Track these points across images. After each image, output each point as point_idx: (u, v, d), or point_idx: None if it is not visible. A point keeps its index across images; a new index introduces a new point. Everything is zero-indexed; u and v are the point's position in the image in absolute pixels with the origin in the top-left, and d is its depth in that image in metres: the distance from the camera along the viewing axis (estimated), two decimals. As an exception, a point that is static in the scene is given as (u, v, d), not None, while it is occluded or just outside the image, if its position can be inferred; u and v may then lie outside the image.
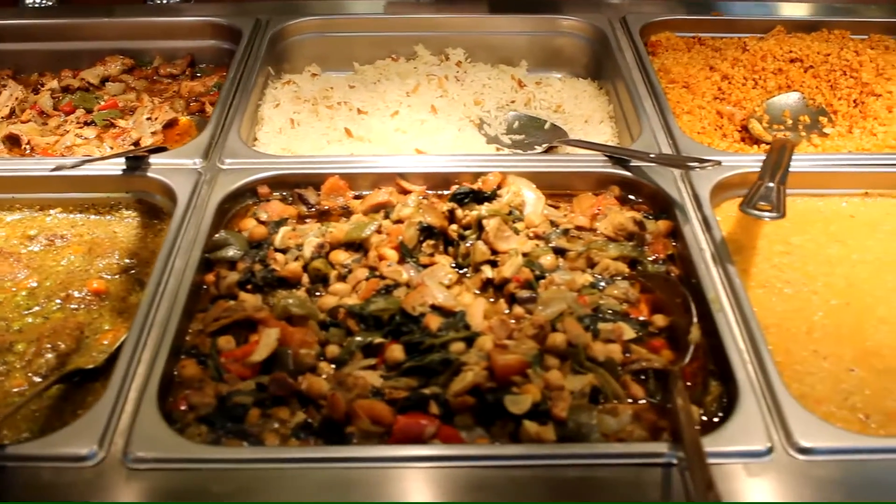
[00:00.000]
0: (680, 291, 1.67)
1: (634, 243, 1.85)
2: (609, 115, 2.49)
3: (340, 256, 1.79)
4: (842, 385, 1.57)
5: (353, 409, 1.43)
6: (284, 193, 2.03)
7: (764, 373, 1.51)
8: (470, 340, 1.57)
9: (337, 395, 1.44)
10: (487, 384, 1.46)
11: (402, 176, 2.03)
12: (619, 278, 1.77)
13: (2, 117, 2.49)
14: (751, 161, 2.02)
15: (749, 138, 2.30)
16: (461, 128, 2.36)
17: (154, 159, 2.06)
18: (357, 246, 1.82)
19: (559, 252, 1.82)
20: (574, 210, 1.97)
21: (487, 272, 1.75)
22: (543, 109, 2.52)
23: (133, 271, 1.87)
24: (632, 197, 2.02)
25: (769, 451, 1.38)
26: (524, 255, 1.77)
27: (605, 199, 1.97)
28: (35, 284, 1.84)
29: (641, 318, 1.69)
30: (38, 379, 1.60)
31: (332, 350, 1.58)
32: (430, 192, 2.02)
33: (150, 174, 2.03)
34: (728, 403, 1.49)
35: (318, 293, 1.74)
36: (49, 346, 1.66)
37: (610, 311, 1.68)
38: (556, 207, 1.97)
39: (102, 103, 2.56)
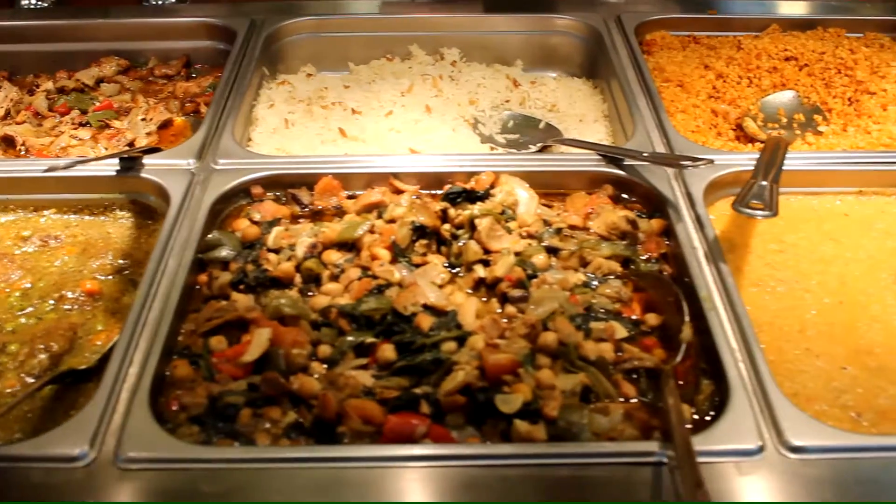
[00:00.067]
0: (672, 290, 1.66)
1: (627, 242, 1.85)
2: (603, 114, 2.49)
3: (333, 256, 1.79)
4: (834, 383, 1.57)
5: (344, 408, 1.43)
6: (278, 194, 2.03)
7: (756, 371, 1.51)
8: (461, 340, 1.57)
9: (328, 394, 1.44)
10: (478, 383, 1.46)
11: (396, 176, 2.03)
12: (612, 277, 1.77)
13: (-3, 119, 2.49)
14: (744, 159, 2.02)
15: (744, 137, 2.30)
16: (455, 127, 2.36)
17: (148, 160, 2.06)
18: (350, 246, 1.82)
19: (552, 251, 1.82)
20: (567, 209, 1.97)
21: (480, 271, 1.75)
22: (538, 109, 2.51)
23: (127, 272, 1.87)
24: (625, 196, 2.02)
25: (760, 449, 1.38)
26: (516, 254, 1.77)
27: (598, 198, 1.97)
28: (29, 285, 1.84)
29: (634, 317, 1.69)
30: (30, 380, 1.61)
31: (324, 350, 1.58)
32: (423, 191, 2.02)
33: (143, 175, 2.03)
34: (720, 402, 1.49)
35: (310, 293, 1.74)
36: (42, 346, 1.66)
37: (602, 310, 1.68)
38: (550, 207, 1.97)
39: (97, 104, 2.56)
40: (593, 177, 2.04)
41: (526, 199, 1.92)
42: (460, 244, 1.83)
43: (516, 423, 1.40)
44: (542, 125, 2.38)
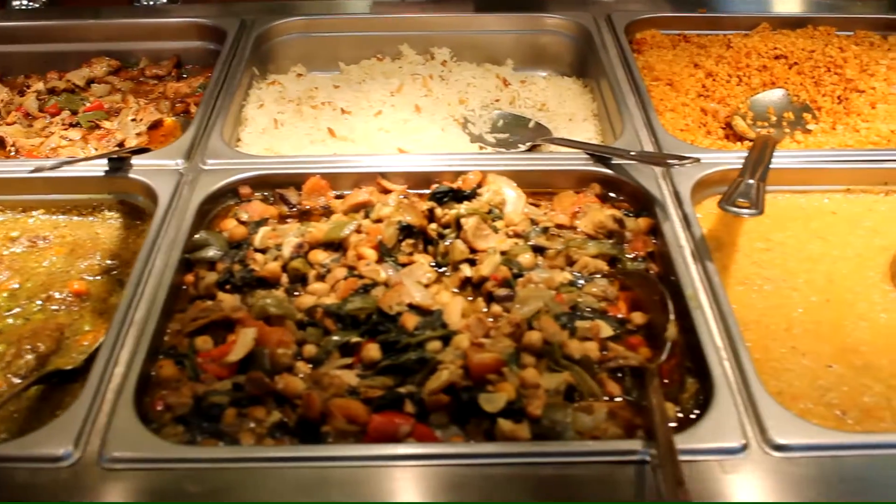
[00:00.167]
0: (658, 289, 1.66)
1: (614, 241, 1.85)
2: (593, 113, 2.49)
3: (319, 256, 1.79)
4: (819, 381, 1.57)
5: (328, 408, 1.44)
6: (266, 194, 2.03)
7: (741, 370, 1.51)
8: (447, 339, 1.57)
9: (312, 394, 1.44)
10: (463, 383, 1.46)
11: (384, 175, 2.03)
12: (598, 276, 1.77)
13: (-13, 119, 2.50)
14: (732, 158, 2.02)
15: (733, 135, 2.30)
16: (444, 127, 2.36)
17: (136, 160, 2.06)
18: (336, 245, 1.82)
19: (538, 250, 1.82)
20: (555, 208, 1.97)
21: (466, 271, 1.75)
22: (528, 108, 2.51)
23: (114, 272, 1.87)
24: (613, 195, 2.02)
25: (744, 448, 1.38)
26: (502, 253, 1.77)
27: (585, 197, 1.97)
28: (17, 286, 1.84)
29: (620, 316, 1.69)
30: (17, 380, 1.61)
31: (310, 349, 1.58)
32: (411, 191, 2.01)
33: (132, 175, 2.03)
34: (704, 400, 1.49)
35: (296, 293, 1.74)
36: (29, 347, 1.66)
37: (588, 309, 1.68)
38: (537, 206, 1.97)
39: (88, 105, 2.56)
40: (581, 176, 2.04)
41: (513, 199, 1.92)
42: (447, 244, 1.83)
43: (500, 422, 1.40)
44: (531, 124, 2.38)
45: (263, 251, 1.82)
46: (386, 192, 2.00)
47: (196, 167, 2.05)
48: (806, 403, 1.52)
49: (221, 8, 2.87)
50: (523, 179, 2.00)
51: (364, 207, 1.92)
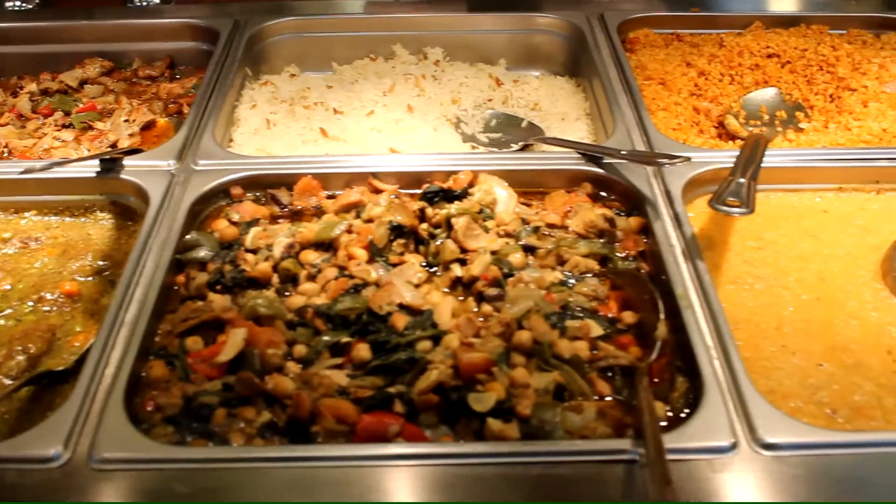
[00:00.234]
0: (648, 288, 1.66)
1: (605, 240, 1.85)
2: (585, 112, 2.49)
3: (310, 256, 1.79)
4: (810, 380, 1.57)
5: (317, 408, 1.44)
6: (258, 194, 2.03)
7: (730, 368, 1.51)
8: (437, 339, 1.57)
9: (302, 394, 1.44)
10: (452, 382, 1.46)
11: (375, 175, 2.03)
12: (589, 275, 1.77)
13: (-20, 121, 2.49)
14: (724, 157, 2.02)
15: (725, 134, 2.30)
16: (437, 127, 2.36)
17: (128, 161, 2.06)
18: (327, 246, 1.82)
19: (529, 250, 1.82)
20: (546, 208, 1.97)
21: (457, 270, 1.75)
22: (521, 107, 2.52)
23: (106, 273, 1.87)
24: (604, 194, 2.02)
25: (733, 446, 1.38)
26: (493, 253, 1.77)
27: (577, 196, 1.97)
28: (8, 287, 1.84)
29: (610, 315, 1.69)
30: (8, 381, 1.61)
31: (300, 350, 1.58)
32: (402, 191, 2.01)
33: (123, 176, 2.03)
34: (694, 399, 1.49)
35: (287, 293, 1.74)
36: (20, 348, 1.66)
37: (579, 309, 1.68)
38: (529, 205, 1.97)
39: (81, 106, 2.57)
40: (573, 175, 2.04)
41: (504, 198, 1.92)
42: (438, 243, 1.83)
43: (489, 421, 1.40)
44: (524, 124, 2.38)
45: (254, 251, 1.82)
46: (377, 192, 2.00)
47: (188, 168, 2.05)
48: (796, 402, 1.52)
49: (215, 8, 2.87)
50: (515, 179, 2.00)
51: (355, 207, 1.92)
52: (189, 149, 2.12)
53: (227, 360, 1.53)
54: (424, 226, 1.87)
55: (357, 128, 2.34)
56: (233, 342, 1.55)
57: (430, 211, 1.89)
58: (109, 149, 2.33)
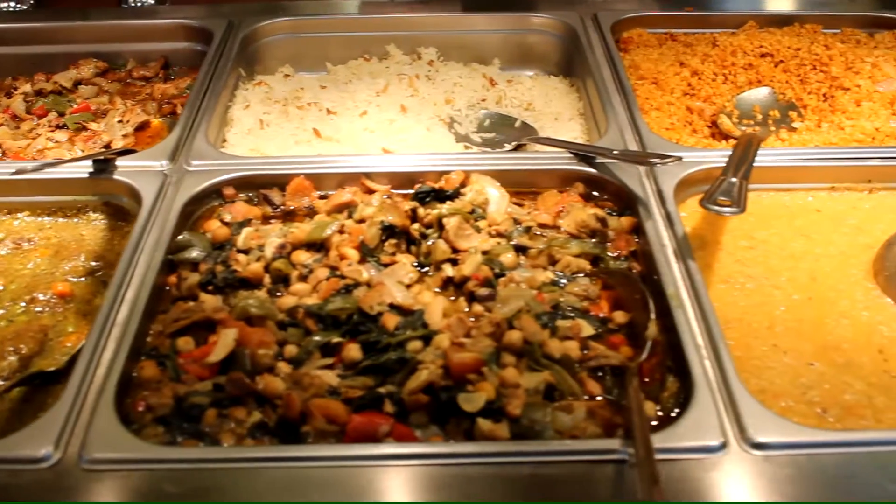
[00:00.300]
0: (639, 288, 1.66)
1: (597, 240, 1.85)
2: (579, 112, 2.49)
3: (302, 256, 1.79)
4: (801, 379, 1.57)
5: (308, 408, 1.44)
6: (250, 194, 2.03)
7: (721, 368, 1.51)
8: (427, 339, 1.57)
9: (292, 394, 1.44)
10: (442, 382, 1.46)
11: (368, 175, 2.03)
12: (581, 275, 1.77)
13: (-26, 122, 2.50)
14: (716, 156, 2.02)
15: (719, 134, 2.30)
16: (430, 127, 2.36)
17: (121, 162, 2.07)
18: (319, 246, 1.82)
19: (520, 250, 1.82)
20: (538, 207, 1.97)
21: (448, 270, 1.75)
22: (514, 107, 2.52)
23: (99, 273, 1.87)
24: (597, 194, 2.02)
25: (723, 446, 1.38)
26: (484, 253, 1.78)
27: (569, 196, 1.98)
28: (1, 288, 1.84)
29: (601, 315, 1.69)
30: (0, 382, 1.60)
31: (291, 350, 1.58)
32: (395, 191, 2.02)
33: (116, 177, 2.03)
34: (684, 399, 1.49)
35: (279, 293, 1.74)
36: (12, 349, 1.66)
37: (570, 309, 1.68)
38: (521, 205, 1.97)
39: (75, 106, 2.57)
40: (565, 175, 2.04)
41: (496, 198, 1.92)
42: (429, 244, 1.83)
43: (479, 421, 1.41)
44: (517, 124, 2.38)
45: (246, 252, 1.81)
46: (370, 192, 2.00)
47: (180, 168, 2.05)
48: (787, 401, 1.52)
49: (209, 9, 2.87)
50: (507, 179, 2.00)
51: (347, 208, 1.92)
52: (182, 149, 2.12)
53: (218, 361, 1.54)
54: (416, 226, 1.88)
55: (350, 128, 2.34)
56: (224, 342, 1.55)
57: (421, 211, 1.89)
58: (103, 149, 2.33)
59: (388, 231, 1.83)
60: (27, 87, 2.66)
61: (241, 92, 2.57)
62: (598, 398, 1.51)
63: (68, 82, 2.68)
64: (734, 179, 1.82)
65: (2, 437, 1.44)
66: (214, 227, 1.88)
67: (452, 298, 1.73)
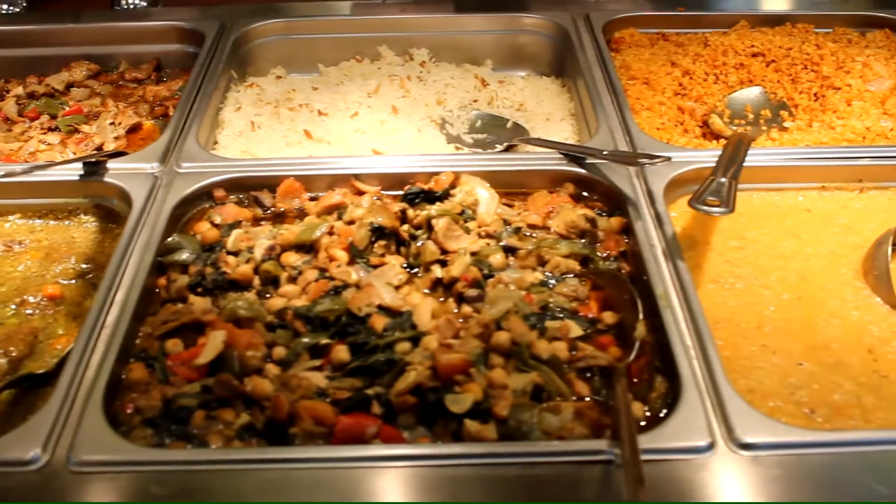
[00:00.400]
0: (627, 288, 1.66)
1: (586, 241, 1.85)
2: (570, 112, 2.49)
3: (291, 258, 1.79)
4: (790, 379, 1.57)
5: (296, 409, 1.44)
6: (240, 196, 2.03)
7: (709, 368, 1.51)
8: (416, 340, 1.57)
9: (280, 396, 1.45)
10: (430, 384, 1.46)
11: (358, 177, 2.03)
12: (570, 276, 1.78)
13: (-34, 124, 2.50)
14: (706, 156, 2.02)
15: (710, 134, 2.30)
16: (421, 128, 2.36)
17: (112, 164, 2.06)
18: (308, 248, 1.82)
19: (510, 251, 1.82)
20: (528, 208, 1.97)
21: (437, 272, 1.75)
22: (506, 108, 2.52)
23: (89, 276, 1.87)
24: (586, 194, 2.02)
25: (710, 446, 1.38)
26: (473, 254, 1.78)
27: (559, 196, 1.98)
28: (-9, 291, 1.84)
29: (590, 316, 1.69)
30: (-11, 384, 1.61)
31: (279, 352, 1.58)
32: (385, 192, 2.02)
33: (107, 179, 2.03)
34: (672, 400, 1.49)
35: (268, 295, 1.74)
36: (2, 351, 1.66)
37: (559, 309, 1.68)
38: (511, 206, 1.97)
39: (67, 109, 2.57)
40: (555, 176, 2.04)
41: (486, 199, 1.92)
42: (418, 245, 1.83)
43: (466, 422, 1.41)
44: (509, 124, 2.38)
45: (236, 254, 1.82)
46: (360, 193, 2.00)
47: (171, 170, 2.05)
48: (775, 401, 1.52)
49: (201, 11, 2.87)
50: (498, 180, 2.01)
51: (337, 209, 1.92)
52: (172, 152, 2.12)
53: (207, 363, 1.54)
54: (405, 227, 1.88)
55: (341, 129, 2.34)
56: (212, 344, 1.55)
57: (411, 212, 1.89)
58: (94, 151, 2.33)
59: (378, 232, 1.83)
60: (19, 90, 2.65)
61: (233, 94, 2.57)
62: (587, 399, 1.51)
63: (60, 85, 2.68)
64: (723, 180, 1.82)
65: (-10, 439, 1.45)
66: (204, 229, 1.88)
67: (441, 300, 1.73)
